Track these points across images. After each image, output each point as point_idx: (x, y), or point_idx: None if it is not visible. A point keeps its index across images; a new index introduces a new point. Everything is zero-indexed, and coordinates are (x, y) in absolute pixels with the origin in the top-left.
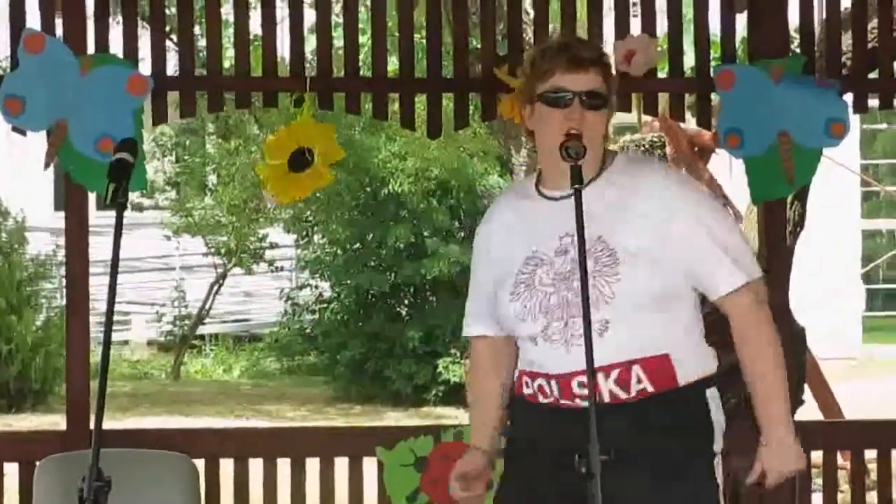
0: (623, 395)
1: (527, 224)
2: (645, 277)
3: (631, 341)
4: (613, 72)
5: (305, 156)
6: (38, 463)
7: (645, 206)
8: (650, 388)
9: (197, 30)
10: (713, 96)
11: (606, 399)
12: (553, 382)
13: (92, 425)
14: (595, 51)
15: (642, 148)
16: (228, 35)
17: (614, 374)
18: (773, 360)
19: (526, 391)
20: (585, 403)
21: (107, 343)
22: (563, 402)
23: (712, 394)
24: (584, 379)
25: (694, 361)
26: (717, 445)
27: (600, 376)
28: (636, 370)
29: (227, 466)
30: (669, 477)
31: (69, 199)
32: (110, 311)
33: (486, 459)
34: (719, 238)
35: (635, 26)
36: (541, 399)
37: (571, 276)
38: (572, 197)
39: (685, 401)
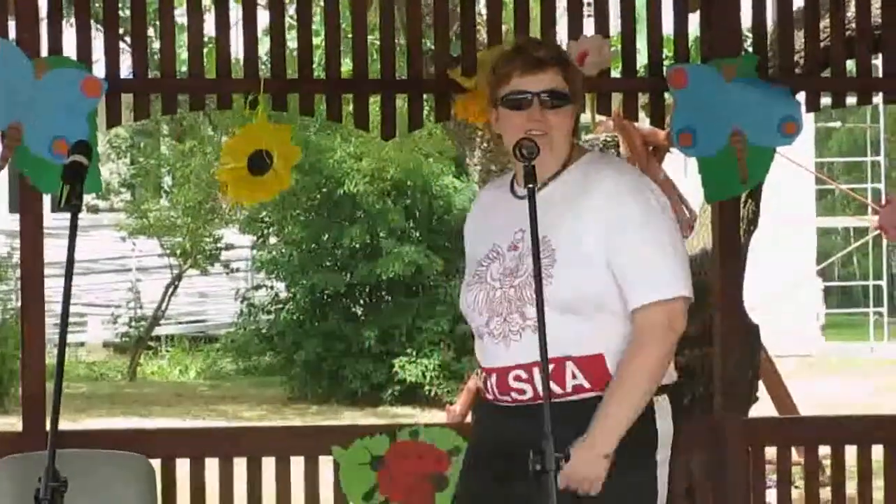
0: (558, 390)
1: (492, 218)
2: (577, 279)
3: (562, 340)
4: (576, 69)
5: (264, 158)
6: None
7: (589, 205)
8: (587, 385)
9: (151, 32)
10: (666, 95)
11: (542, 394)
12: (493, 377)
13: (48, 426)
14: (551, 50)
15: (596, 148)
16: (183, 38)
17: (549, 369)
18: (638, 389)
19: (479, 384)
20: (522, 397)
21: (62, 344)
22: (500, 398)
23: (660, 402)
24: (520, 373)
25: None
26: (661, 454)
27: (535, 371)
28: (570, 366)
29: (183, 466)
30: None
31: (24, 201)
32: (65, 313)
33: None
34: (651, 250)
35: (589, 27)
36: (486, 395)
37: (516, 272)
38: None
39: None
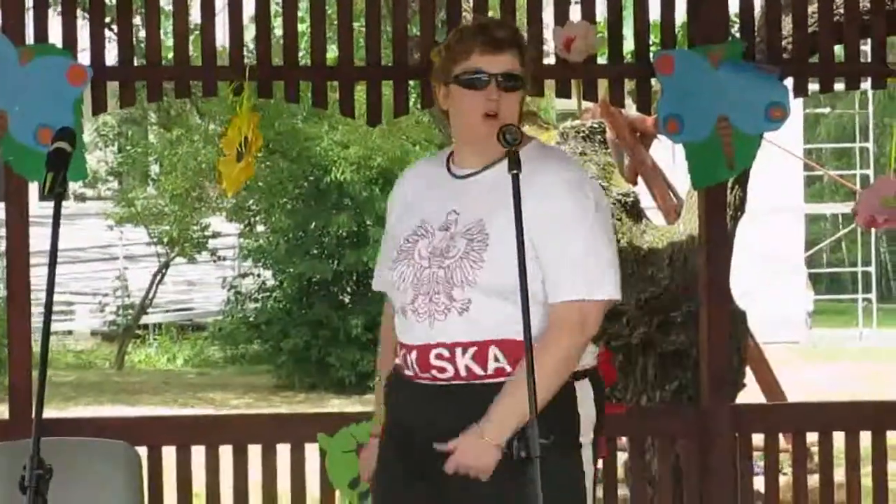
0: (479, 371)
1: (425, 195)
2: (506, 266)
3: (488, 323)
4: (531, 55)
5: (240, 148)
6: None
7: (530, 200)
8: (508, 368)
9: (137, 20)
10: (653, 82)
11: (463, 374)
12: (413, 354)
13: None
14: (510, 31)
15: (582, 134)
16: (168, 25)
17: (471, 350)
18: (543, 381)
19: (397, 362)
20: (442, 376)
21: (46, 332)
22: (421, 375)
23: (582, 386)
24: (442, 351)
25: None
26: (584, 438)
27: (458, 351)
28: (493, 350)
29: (169, 454)
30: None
31: (9, 189)
32: (49, 302)
33: None
34: (579, 248)
35: (575, 12)
36: (405, 372)
37: (446, 252)
38: (474, 176)
39: None
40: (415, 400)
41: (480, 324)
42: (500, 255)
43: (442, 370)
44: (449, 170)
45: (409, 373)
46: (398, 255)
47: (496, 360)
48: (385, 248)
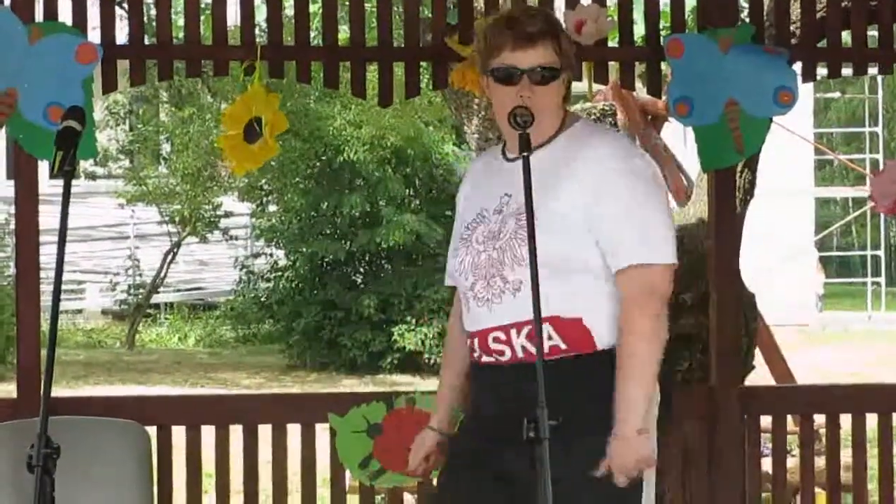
0: (534, 351)
1: (483, 184)
2: (555, 243)
3: (543, 302)
4: (568, 37)
5: (255, 127)
6: None
7: (575, 171)
8: (563, 346)
9: None
10: (664, 65)
11: (520, 355)
12: (475, 340)
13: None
14: (543, 22)
15: (593, 117)
16: (179, 4)
17: (525, 330)
18: (640, 361)
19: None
20: (502, 359)
21: (55, 311)
22: (484, 359)
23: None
24: (499, 334)
25: (609, 331)
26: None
27: (513, 332)
28: (546, 328)
29: (179, 433)
30: (578, 435)
31: (19, 167)
32: (58, 280)
33: (436, 440)
34: (636, 215)
35: None
36: (475, 357)
37: (498, 235)
38: (518, 161)
39: (598, 365)
40: (485, 384)
41: (531, 302)
42: (545, 234)
43: (500, 353)
44: (505, 156)
45: (475, 355)
46: (458, 244)
47: (549, 338)
48: (452, 243)
